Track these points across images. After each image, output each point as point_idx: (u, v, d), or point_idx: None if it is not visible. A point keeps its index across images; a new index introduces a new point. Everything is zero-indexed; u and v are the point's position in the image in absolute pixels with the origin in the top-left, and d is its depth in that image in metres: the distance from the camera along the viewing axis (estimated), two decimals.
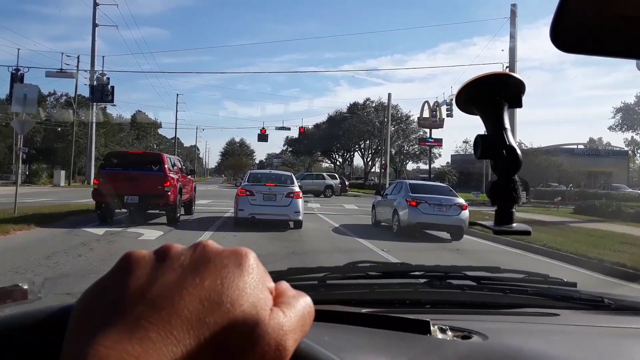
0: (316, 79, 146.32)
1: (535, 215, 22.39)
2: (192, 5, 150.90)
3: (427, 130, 52.72)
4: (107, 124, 56.11)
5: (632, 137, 57.09)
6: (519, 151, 0.68)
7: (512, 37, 22.57)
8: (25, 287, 1.09)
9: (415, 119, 64.51)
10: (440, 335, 1.12)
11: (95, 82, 24.72)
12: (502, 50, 56.93)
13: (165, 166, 13.01)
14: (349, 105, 70.59)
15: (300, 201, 13.45)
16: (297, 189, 13.67)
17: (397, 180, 17.41)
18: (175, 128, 77.65)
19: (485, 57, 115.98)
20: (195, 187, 17.33)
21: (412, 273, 1.60)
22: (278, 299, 0.42)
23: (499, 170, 0.69)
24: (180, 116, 79.72)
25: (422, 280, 1.53)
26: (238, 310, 0.38)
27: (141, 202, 12.74)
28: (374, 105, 67.48)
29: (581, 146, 60.73)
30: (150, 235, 11.38)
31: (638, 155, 59.60)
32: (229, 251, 0.42)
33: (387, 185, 46.45)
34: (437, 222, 12.90)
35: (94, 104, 31.95)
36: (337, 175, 38.09)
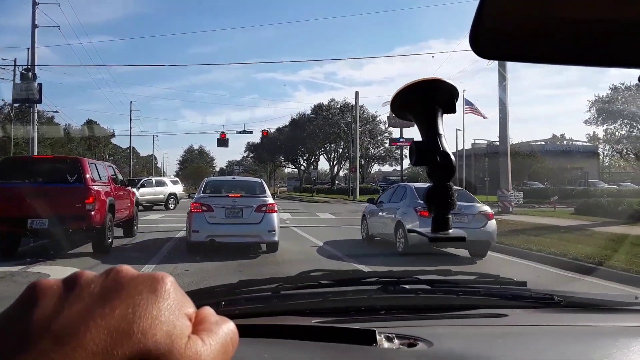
0: (275, 84, 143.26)
1: (536, 218, 19.69)
2: (145, 13, 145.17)
3: (393, 130, 50.57)
4: (54, 133, 51.34)
5: (594, 132, 56.25)
6: (453, 157, 0.69)
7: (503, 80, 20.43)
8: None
9: (382, 120, 62.82)
10: (386, 345, 1.13)
11: (19, 80, 20.71)
12: (432, 57, 55.77)
13: (87, 176, 9.39)
14: (313, 106, 67.67)
15: (275, 216, 10.09)
16: (270, 199, 10.28)
17: (398, 184, 14.09)
18: (130, 136, 72.90)
19: (440, 59, 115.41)
20: (137, 202, 13.65)
21: (365, 280, 1.64)
22: (198, 326, 0.40)
23: (434, 177, 0.70)
24: (136, 125, 75.58)
25: (376, 287, 1.53)
26: (150, 340, 0.36)
27: (53, 227, 9.13)
28: (338, 106, 64.69)
29: (541, 142, 59.66)
30: (62, 276, 7.79)
31: (607, 150, 58.87)
32: (144, 276, 0.40)
33: (356, 189, 44.57)
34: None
35: (35, 110, 27.98)
36: (179, 180, 33.02)
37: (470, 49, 0.61)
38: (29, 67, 21.25)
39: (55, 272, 8.24)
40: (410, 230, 10.21)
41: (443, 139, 0.70)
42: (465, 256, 10.50)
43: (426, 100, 0.70)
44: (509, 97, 21.86)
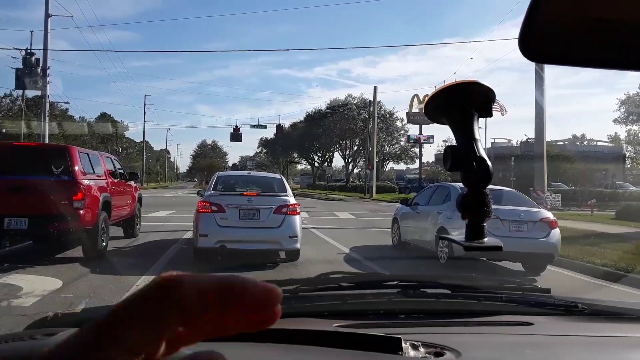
0: (289, 80, 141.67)
1: (579, 223, 17.91)
2: (162, 9, 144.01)
3: (410, 127, 48.84)
4: (67, 125, 50.23)
5: (616, 133, 54.04)
6: (489, 163, 0.68)
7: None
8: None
9: (398, 117, 60.93)
10: (412, 353, 1.10)
11: (22, 65, 19.36)
12: (471, 58, 54.19)
13: (75, 167, 7.88)
14: (329, 101, 66.00)
15: (297, 219, 8.53)
16: (291, 199, 8.71)
17: (438, 183, 12.42)
18: (144, 130, 72.43)
19: (456, 58, 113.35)
20: (140, 198, 12.17)
21: (385, 283, 1.60)
22: None
23: (469, 182, 0.69)
24: (150, 119, 74.64)
25: (396, 290, 1.49)
26: None
27: (34, 228, 7.66)
28: (355, 102, 62.92)
29: (562, 143, 57.51)
30: (35, 290, 6.35)
31: (629, 152, 56.53)
32: None
33: (373, 187, 42.85)
34: (516, 250, 8.14)
35: (46, 102, 26.68)
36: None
37: (519, 51, 0.60)
38: (30, 50, 19.88)
39: (31, 282, 6.81)
40: (442, 238, 8.66)
41: (479, 144, 0.70)
42: (519, 270, 8.90)
43: (462, 103, 0.69)
44: (540, 98, 20.17)
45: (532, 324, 1.38)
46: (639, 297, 7.29)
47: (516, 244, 8.13)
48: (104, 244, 8.70)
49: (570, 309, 1.47)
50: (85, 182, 8.03)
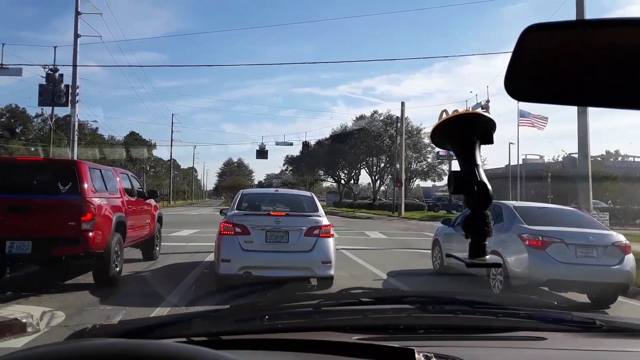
0: (313, 99, 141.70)
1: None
2: (187, 29, 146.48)
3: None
4: (97, 144, 50.53)
5: None
6: (489, 187, 0.76)
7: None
8: (24, 320, 1.30)
9: (426, 132, 59.73)
10: None
11: (45, 82, 19.01)
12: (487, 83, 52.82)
13: (85, 185, 7.07)
14: (355, 118, 65.17)
15: (331, 242, 7.57)
16: (324, 220, 7.76)
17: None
18: (171, 147, 72.63)
19: (479, 75, 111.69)
20: (160, 217, 11.36)
21: (405, 298, 1.62)
22: None
23: (471, 205, 0.77)
24: (177, 137, 75.52)
25: (415, 306, 1.52)
26: None
27: (38, 252, 6.86)
28: (381, 118, 61.96)
29: (596, 158, 55.25)
30: (32, 324, 5.49)
31: None
32: None
33: (402, 205, 41.58)
34: (584, 279, 7.02)
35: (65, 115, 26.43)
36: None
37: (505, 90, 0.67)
38: (54, 66, 19.53)
39: (34, 313, 5.98)
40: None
41: (480, 170, 0.76)
42: (585, 301, 7.74)
43: (464, 132, 0.76)
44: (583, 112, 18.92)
45: (545, 339, 1.39)
46: None
47: (585, 272, 7.02)
48: (118, 269, 7.86)
49: (588, 326, 1.47)
50: (96, 200, 7.21)
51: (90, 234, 6.94)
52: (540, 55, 0.62)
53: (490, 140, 0.76)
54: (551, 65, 0.62)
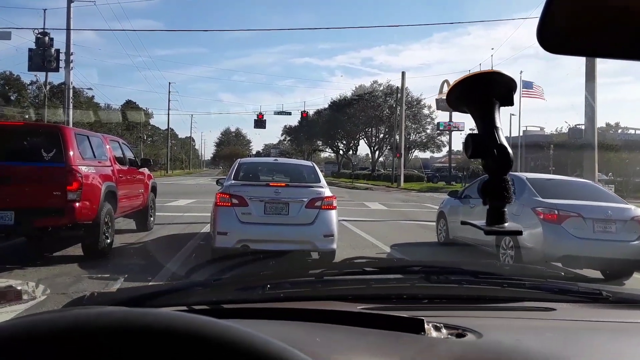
0: (311, 69, 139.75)
1: None
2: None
3: (439, 115, 46.89)
4: (91, 113, 49.67)
5: None
6: (510, 150, 0.71)
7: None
8: (19, 287, 1.91)
9: (426, 104, 58.87)
10: (434, 334, 1.10)
11: (34, 46, 18.23)
12: (492, 49, 52.10)
13: (70, 152, 6.60)
14: (354, 87, 64.26)
15: (334, 215, 7.15)
16: (326, 191, 7.33)
17: None
18: (168, 117, 72.15)
19: (479, 46, 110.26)
20: (154, 187, 10.92)
21: (408, 268, 1.60)
22: None
23: (490, 169, 0.73)
24: (174, 106, 74.74)
25: (419, 276, 1.50)
26: None
27: (21, 223, 6.43)
28: (381, 88, 61.06)
29: (599, 130, 54.59)
30: (12, 300, 5.12)
31: None
32: None
33: (401, 176, 41.20)
34: (603, 255, 6.65)
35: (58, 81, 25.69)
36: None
37: (538, 43, 0.61)
38: (44, 30, 18.72)
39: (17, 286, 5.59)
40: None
41: (500, 132, 0.71)
42: (597, 277, 7.39)
43: (483, 93, 0.70)
44: (591, 85, 18.38)
45: (554, 309, 1.37)
46: None
47: (603, 248, 6.64)
48: (108, 240, 7.46)
49: (594, 297, 1.45)
50: (83, 169, 6.76)
51: (77, 204, 6.50)
52: (574, 2, 0.58)
53: (510, 102, 0.73)
54: (589, 13, 0.57)
